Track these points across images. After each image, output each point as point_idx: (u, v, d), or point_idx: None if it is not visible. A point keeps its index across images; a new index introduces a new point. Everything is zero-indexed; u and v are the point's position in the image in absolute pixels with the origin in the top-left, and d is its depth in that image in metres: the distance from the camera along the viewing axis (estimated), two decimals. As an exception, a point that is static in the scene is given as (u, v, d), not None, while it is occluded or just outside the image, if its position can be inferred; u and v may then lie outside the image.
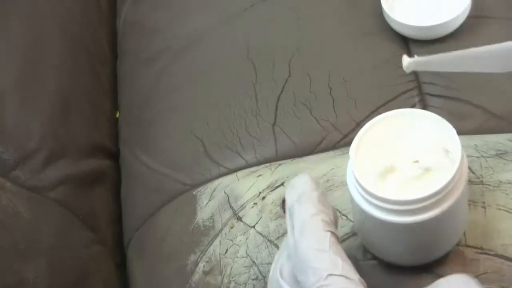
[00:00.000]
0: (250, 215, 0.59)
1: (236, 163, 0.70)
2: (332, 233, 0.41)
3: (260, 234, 0.56)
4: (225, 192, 0.64)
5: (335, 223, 0.43)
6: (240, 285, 0.55)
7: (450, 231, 0.47)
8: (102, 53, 0.92)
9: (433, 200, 0.42)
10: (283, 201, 0.48)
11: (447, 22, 0.70)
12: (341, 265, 0.39)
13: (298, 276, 0.40)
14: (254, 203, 0.60)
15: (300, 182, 0.44)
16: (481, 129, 0.65)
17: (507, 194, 0.52)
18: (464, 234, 0.50)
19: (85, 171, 0.78)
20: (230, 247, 0.58)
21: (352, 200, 0.46)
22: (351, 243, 0.53)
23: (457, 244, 0.49)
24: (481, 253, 0.49)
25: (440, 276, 0.48)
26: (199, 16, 0.85)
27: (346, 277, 0.39)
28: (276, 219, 0.57)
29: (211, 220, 0.62)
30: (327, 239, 0.40)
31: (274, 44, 0.78)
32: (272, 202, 0.59)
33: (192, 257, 0.61)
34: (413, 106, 0.69)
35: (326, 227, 0.41)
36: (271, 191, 0.60)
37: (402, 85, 0.71)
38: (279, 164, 0.66)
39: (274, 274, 0.44)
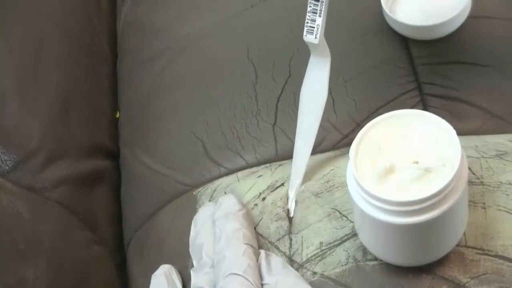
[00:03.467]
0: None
1: (236, 164, 0.70)
2: (250, 245, 0.51)
3: (261, 235, 0.56)
4: (225, 193, 0.64)
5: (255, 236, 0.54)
6: (240, 285, 0.55)
7: (450, 232, 0.47)
8: (102, 53, 0.92)
9: (433, 201, 0.42)
10: (288, 210, 0.57)
11: (447, 22, 0.70)
12: (245, 268, 0.49)
13: (215, 269, 0.50)
14: (255, 204, 0.60)
15: (227, 201, 0.56)
16: (481, 129, 0.65)
17: (507, 195, 0.52)
18: (464, 234, 0.50)
19: (85, 171, 0.78)
20: (230, 248, 0.58)
21: (352, 200, 0.46)
22: (351, 243, 0.53)
23: (457, 245, 0.49)
24: (481, 253, 0.49)
25: (440, 277, 0.49)
26: (199, 16, 0.85)
27: (244, 277, 0.48)
28: (276, 220, 0.57)
29: (211, 221, 0.62)
30: (243, 248, 0.51)
31: (274, 44, 0.78)
32: (273, 203, 0.59)
33: (193, 258, 0.61)
34: (413, 107, 0.69)
35: (245, 240, 0.51)
36: (271, 191, 0.60)
37: (402, 85, 0.71)
38: (279, 165, 0.66)
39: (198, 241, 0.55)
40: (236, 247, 0.51)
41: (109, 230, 0.79)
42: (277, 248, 0.55)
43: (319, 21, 0.55)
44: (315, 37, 0.55)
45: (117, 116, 0.89)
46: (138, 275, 0.71)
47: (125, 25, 0.94)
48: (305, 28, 0.56)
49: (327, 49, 0.57)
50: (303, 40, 0.57)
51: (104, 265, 0.75)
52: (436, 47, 0.72)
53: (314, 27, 0.55)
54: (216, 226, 0.54)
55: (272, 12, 0.81)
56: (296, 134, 0.60)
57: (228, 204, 0.55)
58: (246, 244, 0.51)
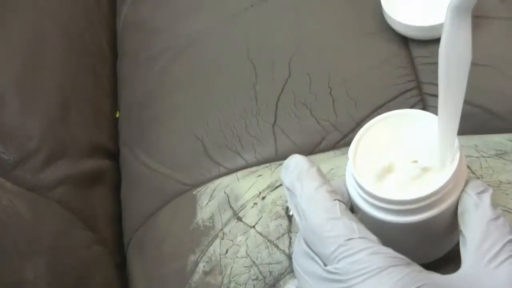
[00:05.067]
0: (250, 215, 0.59)
1: (236, 163, 0.70)
2: (340, 201, 0.41)
3: (260, 234, 0.56)
4: (225, 192, 0.64)
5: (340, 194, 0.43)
6: (240, 285, 0.55)
7: (450, 231, 0.47)
8: (102, 53, 0.92)
9: (432, 200, 0.42)
10: (287, 208, 0.52)
11: (447, 22, 0.70)
12: (357, 228, 0.39)
13: (314, 249, 0.40)
14: (254, 203, 0.60)
15: (295, 161, 0.44)
16: (481, 129, 0.65)
17: (507, 194, 0.52)
18: (464, 234, 0.50)
19: (85, 171, 0.78)
20: (230, 247, 0.58)
21: (351, 200, 0.46)
22: (351, 243, 0.52)
23: (457, 244, 0.49)
24: (481, 253, 0.49)
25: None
26: (199, 16, 0.85)
27: (366, 238, 0.39)
28: (276, 219, 0.57)
29: (211, 220, 0.62)
30: (336, 207, 0.40)
31: (274, 44, 0.78)
32: (272, 202, 0.59)
33: (192, 257, 0.61)
34: (413, 106, 0.69)
35: (333, 197, 0.41)
36: (271, 191, 0.60)
37: (402, 85, 0.71)
38: (279, 164, 0.66)
39: (300, 250, 0.43)
40: (329, 210, 0.40)
41: (109, 230, 0.79)
42: (277, 246, 0.55)
43: None
44: None
45: (117, 116, 0.89)
46: (138, 274, 0.71)
47: (125, 25, 0.94)
48: None
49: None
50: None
51: (104, 265, 0.75)
52: (436, 47, 0.71)
53: None
54: (295, 191, 0.42)
55: (272, 12, 0.81)
56: (439, 105, 0.45)
57: (296, 164, 0.44)
58: (335, 200, 0.41)
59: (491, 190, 0.42)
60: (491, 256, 0.39)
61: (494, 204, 0.42)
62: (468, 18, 0.45)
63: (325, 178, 0.42)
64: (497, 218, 0.41)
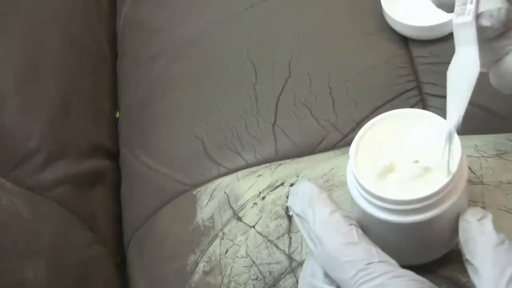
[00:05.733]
0: (250, 215, 0.59)
1: (236, 163, 0.70)
2: (356, 226, 0.41)
3: (260, 234, 0.56)
4: (225, 192, 0.64)
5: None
6: (240, 285, 0.55)
7: (450, 231, 0.47)
8: (102, 53, 0.92)
9: (433, 200, 0.42)
10: (287, 208, 0.51)
11: (447, 22, 0.70)
12: (377, 253, 0.39)
13: (332, 274, 0.40)
14: (254, 203, 0.60)
15: (304, 187, 0.43)
16: (481, 129, 0.65)
17: (507, 194, 0.52)
18: (465, 234, 0.50)
19: (85, 171, 0.78)
20: (230, 247, 0.58)
21: (352, 200, 0.46)
22: (351, 243, 0.52)
23: (457, 244, 0.49)
24: (481, 253, 0.49)
25: (440, 276, 0.48)
26: (199, 16, 0.85)
27: (386, 262, 0.39)
28: (276, 219, 0.57)
29: (211, 220, 0.62)
30: (353, 232, 0.40)
31: (274, 44, 0.78)
32: (272, 202, 0.59)
33: (192, 257, 0.61)
34: (413, 106, 0.69)
35: (348, 222, 0.40)
36: (271, 191, 0.60)
37: (402, 85, 0.71)
38: (279, 164, 0.66)
39: (304, 281, 0.43)
40: (346, 235, 0.40)
41: (109, 230, 0.79)
42: (276, 246, 0.55)
43: (471, 7, 0.50)
44: (468, 14, 0.48)
45: (117, 116, 0.89)
46: (138, 274, 0.71)
47: (125, 25, 0.94)
48: (455, 13, 0.48)
49: (475, 35, 0.49)
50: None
51: (104, 265, 0.75)
52: (436, 47, 0.72)
53: (465, 9, 0.50)
54: (307, 218, 0.42)
55: (272, 12, 0.81)
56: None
57: (305, 191, 0.43)
58: (351, 225, 0.41)
59: (490, 215, 0.42)
60: (506, 281, 0.39)
61: (497, 229, 0.42)
62: (474, 42, 0.47)
63: (336, 204, 0.42)
64: (502, 242, 0.40)
